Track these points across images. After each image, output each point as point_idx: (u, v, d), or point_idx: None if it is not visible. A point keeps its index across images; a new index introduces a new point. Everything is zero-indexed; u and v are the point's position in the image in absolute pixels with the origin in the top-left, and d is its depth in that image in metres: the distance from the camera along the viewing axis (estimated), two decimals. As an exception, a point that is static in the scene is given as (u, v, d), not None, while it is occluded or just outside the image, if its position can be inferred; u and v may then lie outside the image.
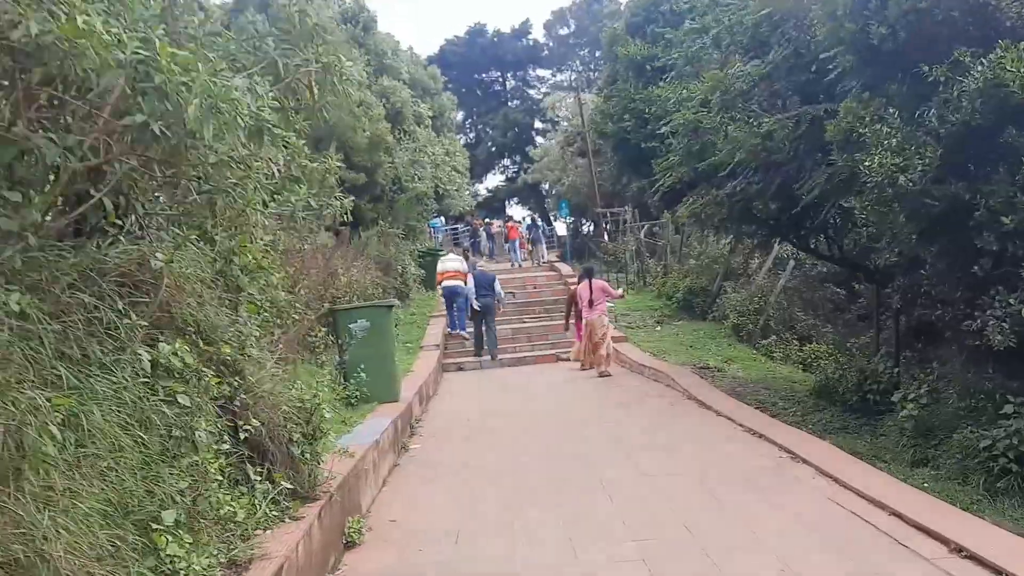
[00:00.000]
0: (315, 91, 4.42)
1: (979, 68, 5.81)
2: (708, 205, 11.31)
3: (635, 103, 16.43)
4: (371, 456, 6.21)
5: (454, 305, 16.69)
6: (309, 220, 5.24)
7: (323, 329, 9.21)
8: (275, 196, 4.29)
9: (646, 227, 25.59)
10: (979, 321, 6.19)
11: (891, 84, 6.91)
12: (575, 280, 23.46)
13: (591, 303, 12.77)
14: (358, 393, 8.35)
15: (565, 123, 40.63)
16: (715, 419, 8.57)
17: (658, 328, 17.11)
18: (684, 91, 10.96)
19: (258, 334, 4.37)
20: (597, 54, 49.49)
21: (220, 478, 3.44)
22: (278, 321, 6.79)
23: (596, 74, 44.97)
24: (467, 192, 27.87)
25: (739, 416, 8.16)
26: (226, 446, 3.73)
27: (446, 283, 16.85)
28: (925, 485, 6.50)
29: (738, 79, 9.38)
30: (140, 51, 2.64)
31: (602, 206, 30.07)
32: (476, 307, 15.66)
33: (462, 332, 16.72)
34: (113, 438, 2.75)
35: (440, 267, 17.47)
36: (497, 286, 15.98)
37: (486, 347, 15.76)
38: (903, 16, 6.37)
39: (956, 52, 6.04)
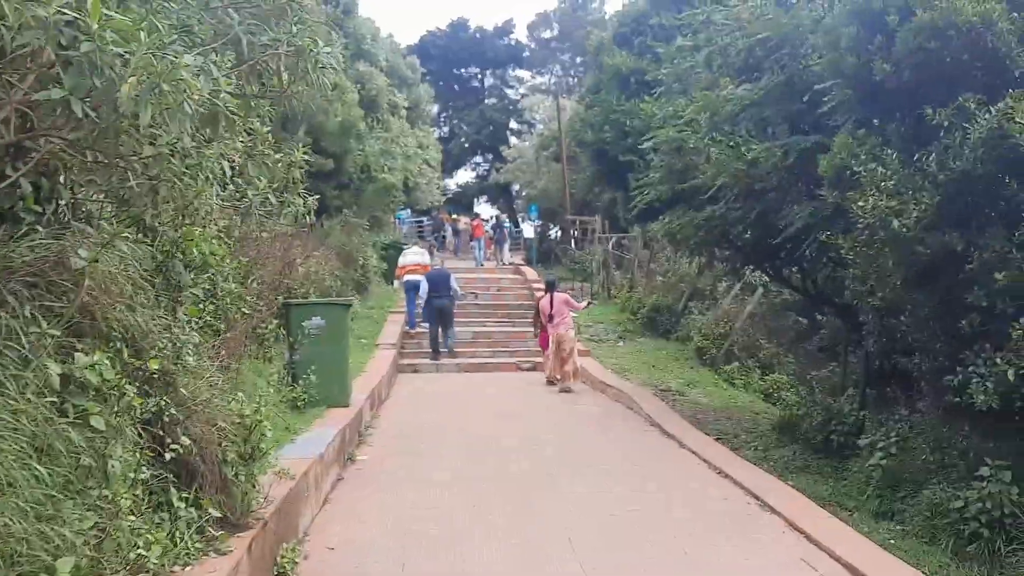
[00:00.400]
0: (284, 77, 3.96)
1: (985, 116, 5.57)
2: (685, 227, 11.04)
3: (617, 114, 16.15)
4: (313, 472, 5.76)
5: (415, 301, 16.14)
6: (268, 215, 4.76)
7: (275, 320, 8.71)
8: (226, 186, 3.80)
9: (614, 239, 25.40)
10: (960, 377, 5.97)
11: (889, 123, 6.66)
12: (538, 283, 23.29)
13: (551, 317, 12.42)
14: (306, 396, 7.86)
15: (541, 126, 40.38)
16: (679, 452, 8.28)
17: (620, 343, 16.85)
18: (671, 108, 10.66)
19: (198, 340, 3.90)
20: (579, 60, 49.34)
21: (133, 517, 2.97)
22: (226, 316, 6.31)
23: (576, 80, 44.78)
24: (437, 187, 27.33)
25: (706, 453, 7.87)
26: (147, 472, 3.27)
27: (407, 277, 16.35)
28: (891, 541, 6.28)
29: (728, 102, 9.11)
30: (67, 10, 2.18)
31: (572, 213, 29.83)
32: (433, 308, 15.07)
33: (422, 328, 16.19)
34: (1, 472, 2.29)
35: (401, 260, 16.92)
36: (453, 283, 15.35)
37: (443, 349, 15.32)
38: (910, 55, 6.12)
39: (962, 98, 5.80)
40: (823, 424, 9.31)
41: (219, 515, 3.89)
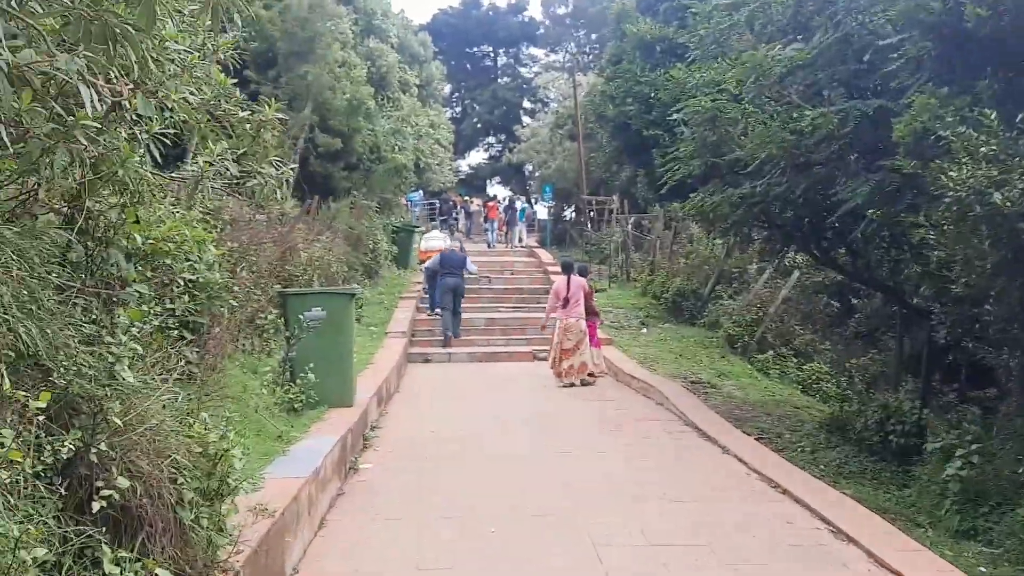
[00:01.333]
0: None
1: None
2: (720, 204, 10.08)
3: (641, 86, 15.11)
4: (306, 493, 4.89)
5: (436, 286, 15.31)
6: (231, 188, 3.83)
7: (274, 311, 7.85)
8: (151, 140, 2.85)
9: (633, 219, 24.38)
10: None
11: (979, 79, 5.67)
12: (553, 266, 22.32)
13: (567, 302, 11.43)
14: (304, 397, 7.00)
15: (556, 104, 39.27)
16: (724, 460, 7.34)
17: (643, 331, 15.91)
18: (706, 74, 9.65)
19: (139, 351, 3.01)
20: (594, 37, 48.06)
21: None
22: (209, 311, 5.43)
23: (591, 57, 43.50)
24: (449, 167, 26.35)
25: (755, 461, 6.93)
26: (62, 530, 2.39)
27: (431, 264, 15.66)
28: (981, 569, 5.38)
29: (776, 63, 8.10)
30: None
31: (588, 193, 28.80)
32: (446, 286, 14.44)
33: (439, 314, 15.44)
34: None
35: (424, 245, 16.67)
36: (470, 265, 14.90)
37: (451, 334, 14.66)
38: (1013, -6, 5.14)
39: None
40: (880, 424, 8.39)
41: (172, 573, 3.02)
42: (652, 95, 15.02)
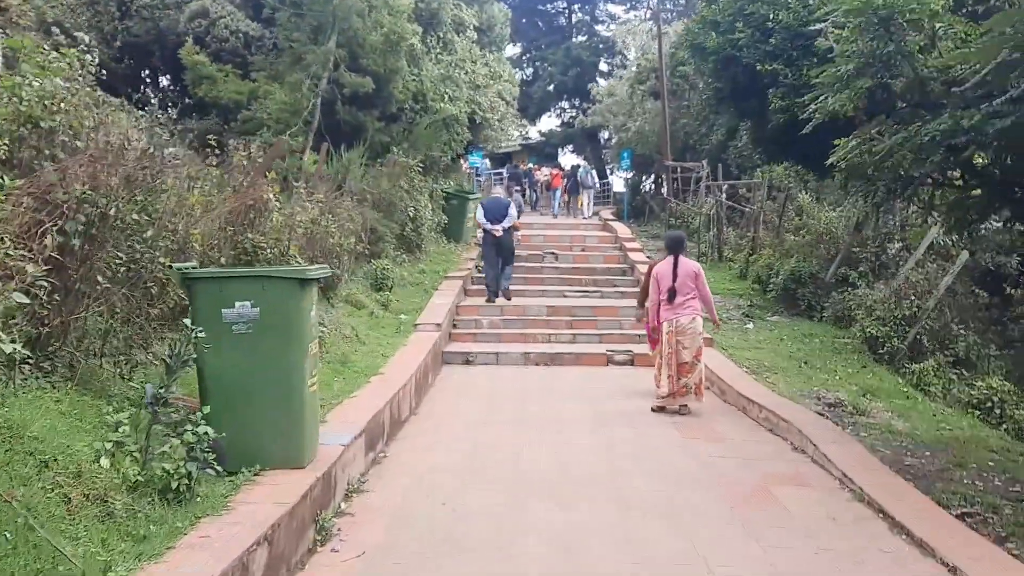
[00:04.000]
0: None
1: None
2: (896, 150, 6.66)
3: (756, 4, 11.50)
4: None
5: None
6: None
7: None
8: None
9: (726, 187, 20.69)
10: None
11: None
12: (632, 243, 18.82)
13: (673, 294, 8.06)
14: (189, 469, 3.90)
15: (635, 57, 35.46)
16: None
17: (749, 325, 12.44)
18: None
19: None
20: (677, -9, 43.79)
21: None
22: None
23: (675, 14, 39.22)
24: (513, 125, 23.00)
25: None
26: None
27: (478, 217, 13.27)
28: None
29: None
30: None
31: (672, 159, 25.13)
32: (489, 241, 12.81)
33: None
34: None
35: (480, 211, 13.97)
36: (512, 210, 13.00)
37: (501, 290, 12.95)
38: None
39: None
40: None
41: None
42: (772, 17, 11.43)
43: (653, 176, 31.44)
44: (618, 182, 37.24)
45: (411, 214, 14.28)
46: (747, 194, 20.18)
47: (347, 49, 13.62)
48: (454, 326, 11.83)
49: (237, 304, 4.51)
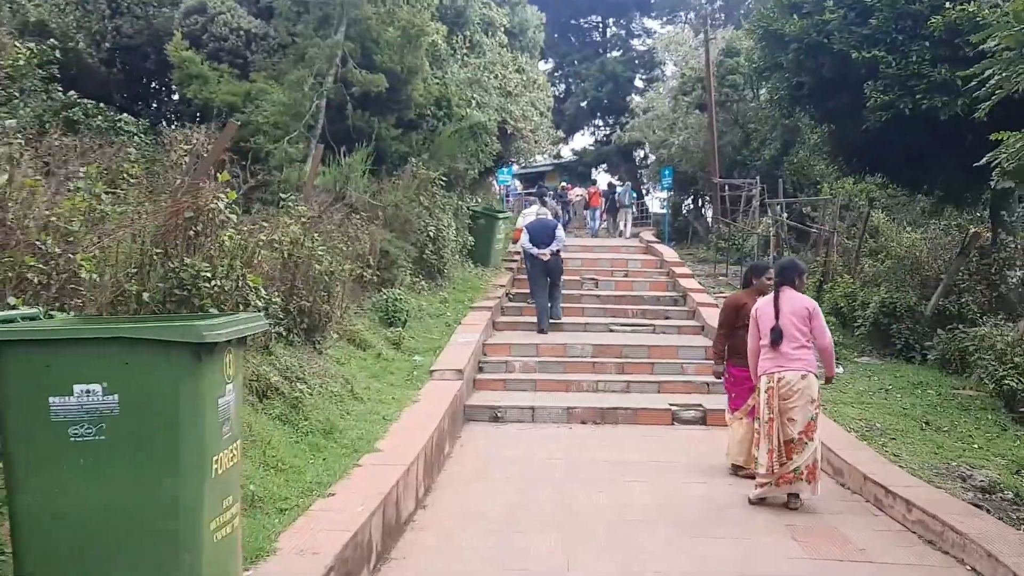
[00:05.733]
0: None
1: None
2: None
3: (853, -22, 9.41)
4: None
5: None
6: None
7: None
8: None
9: (782, 205, 18.47)
10: None
11: None
12: (680, 267, 16.58)
13: (779, 337, 5.90)
14: None
15: (674, 71, 33.40)
16: None
17: (839, 370, 10.19)
18: None
19: None
20: (718, 3, 41.83)
21: None
22: None
23: (721, 19, 37.13)
24: (547, 137, 20.97)
25: None
26: None
27: (522, 242, 12.08)
28: None
29: None
30: None
31: (721, 176, 22.96)
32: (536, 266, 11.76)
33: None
34: None
35: (521, 221, 13.69)
36: (560, 232, 12.04)
37: (551, 320, 11.68)
38: None
39: None
40: None
41: None
42: (874, -8, 9.34)
43: (695, 195, 29.34)
44: (653, 202, 35.12)
45: (431, 234, 12.30)
46: (812, 213, 17.95)
47: (358, 43, 11.72)
48: (480, 369, 9.74)
49: (78, 389, 2.49)
